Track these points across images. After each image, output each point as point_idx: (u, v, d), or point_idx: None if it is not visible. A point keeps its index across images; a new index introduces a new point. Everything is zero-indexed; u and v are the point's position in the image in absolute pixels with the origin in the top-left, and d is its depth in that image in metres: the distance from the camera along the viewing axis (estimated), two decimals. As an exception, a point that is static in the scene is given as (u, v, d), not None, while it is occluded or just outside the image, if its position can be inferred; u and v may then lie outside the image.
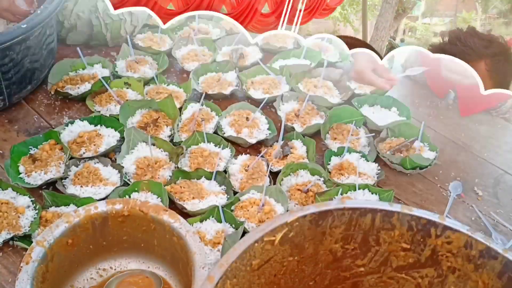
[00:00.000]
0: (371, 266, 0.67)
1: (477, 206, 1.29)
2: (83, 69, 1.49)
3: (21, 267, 0.86)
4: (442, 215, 0.61)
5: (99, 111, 1.38)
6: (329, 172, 1.31)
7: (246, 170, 1.27)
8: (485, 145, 1.46)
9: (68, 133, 1.29)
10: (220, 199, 1.19)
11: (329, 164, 1.33)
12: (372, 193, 1.24)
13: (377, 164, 1.34)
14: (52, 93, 1.43)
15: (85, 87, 1.43)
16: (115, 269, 1.03)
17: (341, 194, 1.21)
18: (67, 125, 1.31)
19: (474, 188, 1.34)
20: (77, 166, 1.22)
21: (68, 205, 1.11)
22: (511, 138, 1.49)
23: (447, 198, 1.30)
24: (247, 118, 1.40)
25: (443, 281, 0.64)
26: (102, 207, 0.97)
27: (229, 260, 0.53)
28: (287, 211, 1.12)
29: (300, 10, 1.80)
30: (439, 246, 0.62)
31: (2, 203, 1.08)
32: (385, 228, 0.63)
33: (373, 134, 1.41)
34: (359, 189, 1.23)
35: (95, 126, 1.33)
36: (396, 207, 0.62)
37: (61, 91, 1.41)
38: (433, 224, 0.61)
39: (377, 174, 1.31)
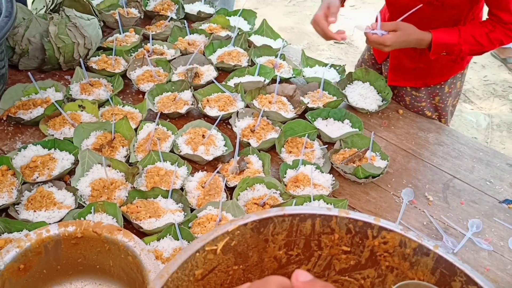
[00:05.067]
0: (316, 271, 0.69)
1: (429, 211, 1.34)
2: (36, 93, 1.48)
3: (-30, 295, 0.85)
4: (377, 217, 0.63)
5: (53, 135, 1.37)
6: (285, 185, 1.33)
7: (203, 187, 1.28)
8: (434, 152, 1.52)
9: (21, 158, 1.28)
10: (177, 217, 1.19)
11: (284, 177, 1.36)
12: (327, 204, 1.27)
13: (331, 175, 1.37)
14: (4, 119, 1.41)
15: (38, 111, 1.42)
16: (70, 293, 1.02)
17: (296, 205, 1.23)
18: (20, 150, 1.29)
19: (425, 193, 1.39)
20: (30, 191, 1.20)
21: (21, 230, 1.10)
22: (458, 144, 1.56)
23: (400, 205, 1.34)
24: (203, 136, 1.42)
25: (384, 280, 0.67)
26: (54, 230, 0.96)
27: (169, 271, 0.54)
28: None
29: None
30: (376, 246, 0.64)
31: (-49, 232, 1.06)
32: (325, 232, 0.65)
33: (327, 146, 1.45)
34: (314, 200, 1.26)
35: (48, 150, 1.32)
36: (334, 211, 0.64)
37: (13, 116, 1.40)
38: (369, 225, 0.63)
39: (331, 185, 1.35)
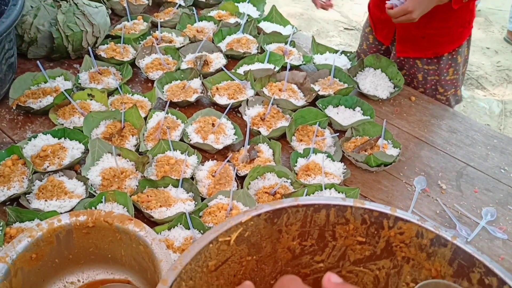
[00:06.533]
0: (330, 262, 0.68)
1: (442, 199, 1.32)
2: (45, 82, 1.48)
3: (-17, 284, 0.85)
4: (393, 207, 0.62)
5: (63, 124, 1.37)
6: (296, 174, 1.32)
7: (213, 176, 1.28)
8: (447, 140, 1.50)
9: (31, 148, 1.28)
10: (188, 206, 1.19)
11: (295, 165, 1.35)
12: (339, 192, 1.26)
13: (343, 164, 1.36)
14: (14, 108, 1.41)
15: (47, 100, 1.42)
16: (83, 282, 1.02)
17: (307, 195, 1.22)
18: (30, 140, 1.29)
19: (438, 182, 1.37)
20: (41, 180, 1.20)
21: (33, 220, 1.10)
22: (472, 131, 1.53)
23: (412, 193, 1.33)
24: (213, 124, 1.41)
25: (399, 271, 0.66)
26: (65, 219, 0.96)
27: (183, 262, 0.53)
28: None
29: None
30: (392, 237, 0.63)
31: (-37, 222, 1.06)
32: (340, 222, 0.64)
33: (338, 134, 1.43)
34: (325, 188, 1.25)
35: (58, 139, 1.32)
36: (348, 202, 0.63)
37: (23, 105, 1.39)
38: (385, 216, 0.62)
39: (343, 173, 1.33)
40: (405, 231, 0.62)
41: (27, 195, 1.17)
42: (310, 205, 0.62)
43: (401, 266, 0.65)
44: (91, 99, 1.45)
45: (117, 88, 1.49)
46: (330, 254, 0.67)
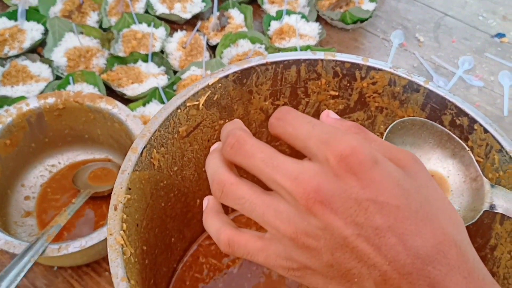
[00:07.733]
0: (304, 119, 0.68)
1: (419, 52, 1.30)
2: (-12, -41, 1.34)
3: (-40, 174, 0.84)
4: (365, 57, 0.60)
5: (16, 5, 1.27)
6: (270, 38, 1.27)
7: (184, 48, 1.23)
8: (425, -10, 1.44)
9: (-14, 33, 1.20)
10: (161, 80, 1.15)
11: (269, 30, 1.29)
12: (314, 53, 1.22)
13: (318, 24, 1.31)
14: (-41, -9, 1.30)
15: (-5, -21, 1.30)
16: (64, 164, 1.02)
17: (283, 58, 1.19)
18: (-17, 25, 1.21)
19: (415, 34, 1.33)
20: (3, 66, 1.15)
21: (2, 107, 1.06)
22: (451, -22, 1.46)
23: (390, 49, 1.30)
24: (178, -8, 1.32)
25: (373, 122, 0.66)
26: (34, 103, 0.93)
27: (151, 130, 0.52)
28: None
29: None
30: (365, 88, 0.62)
31: None
32: (312, 78, 0.62)
33: (311, -8, 1.36)
34: (301, 50, 1.21)
35: (15, 21, 1.23)
36: (319, 55, 0.60)
37: (-31, -13, 1.28)
38: (357, 66, 0.60)
39: (318, 34, 1.29)
40: (377, 80, 0.60)
41: (-9, 83, 1.12)
42: (280, 61, 0.60)
43: (374, 117, 0.65)
44: (42, -25, 1.33)
45: (69, -40, 1.36)
46: (304, 111, 0.67)
